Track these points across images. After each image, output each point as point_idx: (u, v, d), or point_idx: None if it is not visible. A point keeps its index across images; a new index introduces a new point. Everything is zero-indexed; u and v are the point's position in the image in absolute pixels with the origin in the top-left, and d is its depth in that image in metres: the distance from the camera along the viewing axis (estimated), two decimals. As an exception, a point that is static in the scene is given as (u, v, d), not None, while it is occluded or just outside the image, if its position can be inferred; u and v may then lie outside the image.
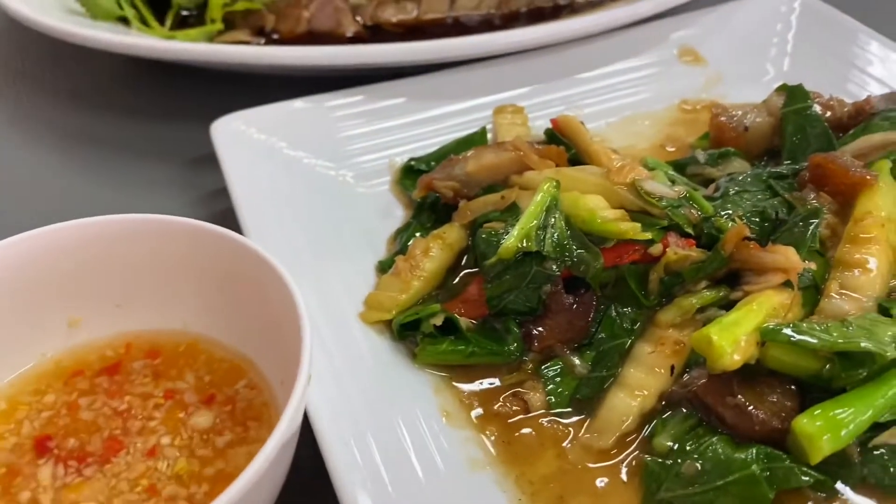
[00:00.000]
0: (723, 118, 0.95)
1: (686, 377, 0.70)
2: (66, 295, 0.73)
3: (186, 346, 0.74)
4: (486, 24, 1.24)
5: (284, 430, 0.55)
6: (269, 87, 1.12)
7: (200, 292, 0.73)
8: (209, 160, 1.07)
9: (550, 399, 0.71)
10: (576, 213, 0.75)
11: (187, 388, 0.71)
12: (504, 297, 0.75)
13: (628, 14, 1.11)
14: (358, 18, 1.21)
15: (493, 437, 0.69)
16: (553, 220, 0.75)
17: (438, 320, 0.73)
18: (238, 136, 0.96)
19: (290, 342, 0.65)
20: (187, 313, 0.74)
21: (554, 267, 0.73)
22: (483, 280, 0.77)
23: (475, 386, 0.73)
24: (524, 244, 0.73)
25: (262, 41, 1.19)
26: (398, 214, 0.93)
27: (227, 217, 0.88)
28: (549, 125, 0.98)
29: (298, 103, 1.01)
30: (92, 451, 0.66)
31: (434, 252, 0.82)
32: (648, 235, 0.72)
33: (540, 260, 0.73)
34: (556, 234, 0.74)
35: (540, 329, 0.74)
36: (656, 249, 0.73)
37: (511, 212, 0.81)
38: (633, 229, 0.72)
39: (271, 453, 0.54)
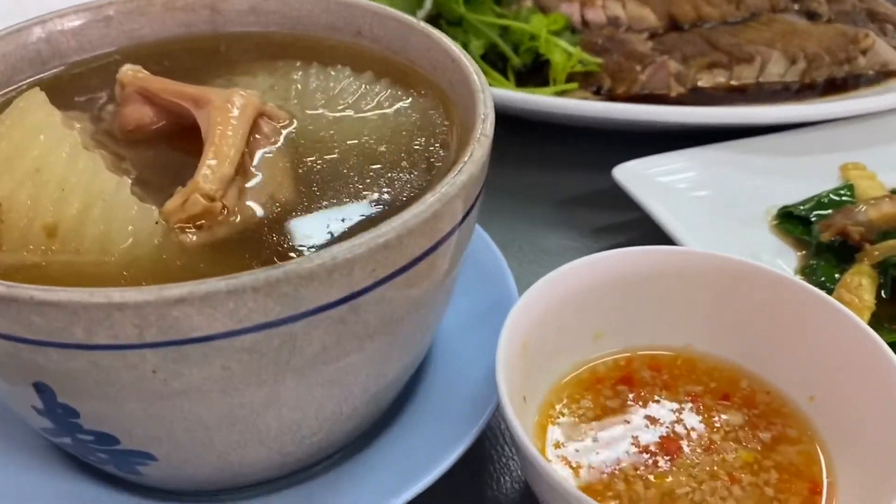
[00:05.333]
0: None
1: None
2: (595, 313, 0.86)
3: (683, 360, 0.88)
4: (785, 90, 1.40)
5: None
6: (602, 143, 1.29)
7: (703, 314, 0.87)
8: (587, 201, 1.24)
9: None
10: None
11: (702, 392, 0.84)
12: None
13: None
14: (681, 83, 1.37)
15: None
16: (974, 259, 0.90)
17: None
18: (640, 177, 1.12)
19: (825, 365, 0.79)
20: (689, 333, 0.88)
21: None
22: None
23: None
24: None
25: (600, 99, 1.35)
26: (787, 251, 1.09)
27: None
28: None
29: (683, 153, 1.18)
30: (652, 448, 0.77)
31: (864, 284, 0.97)
32: None
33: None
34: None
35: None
36: None
37: (913, 255, 0.97)
38: None
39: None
